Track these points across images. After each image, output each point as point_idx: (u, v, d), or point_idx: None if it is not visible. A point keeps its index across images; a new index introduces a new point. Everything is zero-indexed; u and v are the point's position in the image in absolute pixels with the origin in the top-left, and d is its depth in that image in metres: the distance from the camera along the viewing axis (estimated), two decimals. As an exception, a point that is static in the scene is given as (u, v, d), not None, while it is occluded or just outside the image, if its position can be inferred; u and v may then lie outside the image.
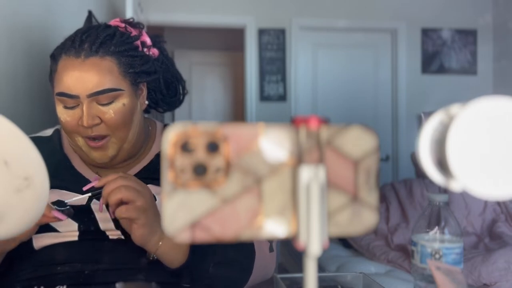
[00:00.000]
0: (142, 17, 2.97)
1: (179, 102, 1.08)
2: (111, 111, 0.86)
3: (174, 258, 0.81)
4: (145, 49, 0.95)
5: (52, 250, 0.86)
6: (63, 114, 0.87)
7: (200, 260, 0.83)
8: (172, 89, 1.05)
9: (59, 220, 0.77)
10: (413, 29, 3.86)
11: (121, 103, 0.87)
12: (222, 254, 0.85)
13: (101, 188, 0.78)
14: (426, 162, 0.34)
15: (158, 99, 1.03)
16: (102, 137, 0.87)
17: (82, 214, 0.87)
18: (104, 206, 0.81)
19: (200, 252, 0.83)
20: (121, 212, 0.75)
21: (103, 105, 0.86)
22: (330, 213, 0.32)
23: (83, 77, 0.84)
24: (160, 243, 0.79)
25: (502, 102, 0.32)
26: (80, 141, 0.88)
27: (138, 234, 0.77)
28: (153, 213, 0.78)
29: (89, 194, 0.82)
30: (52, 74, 0.90)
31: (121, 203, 0.76)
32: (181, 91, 1.07)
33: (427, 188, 2.27)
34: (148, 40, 0.96)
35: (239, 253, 0.89)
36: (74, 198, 0.82)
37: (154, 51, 0.97)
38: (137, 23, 0.98)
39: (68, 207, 0.79)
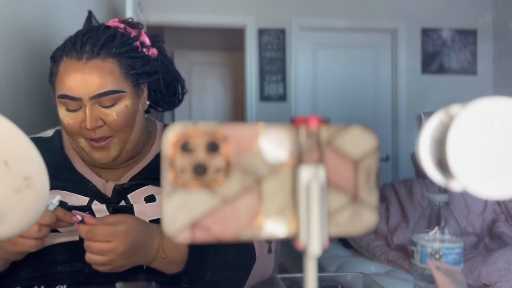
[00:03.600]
0: (142, 17, 2.97)
1: (178, 101, 1.08)
2: (114, 113, 0.86)
3: (171, 268, 0.83)
4: (144, 49, 0.95)
5: (53, 250, 0.86)
6: (66, 116, 0.87)
7: (199, 266, 0.84)
8: (172, 89, 1.05)
9: (73, 222, 0.78)
10: (413, 29, 3.86)
11: (124, 104, 0.87)
12: (221, 258, 0.86)
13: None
14: (426, 162, 0.34)
15: (158, 99, 1.03)
16: (105, 138, 0.88)
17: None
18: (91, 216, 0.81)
19: (199, 258, 0.83)
20: (94, 265, 0.76)
21: (105, 107, 0.86)
22: (330, 213, 0.32)
23: (85, 79, 0.84)
24: (153, 262, 0.81)
25: (502, 102, 0.32)
26: (83, 142, 0.88)
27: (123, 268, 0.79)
28: (135, 248, 0.78)
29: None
30: (52, 76, 0.90)
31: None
32: (180, 91, 1.07)
33: (427, 188, 2.27)
34: (147, 40, 0.96)
35: (238, 255, 0.89)
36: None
37: (153, 51, 0.98)
38: (136, 23, 0.98)
39: (80, 218, 0.82)
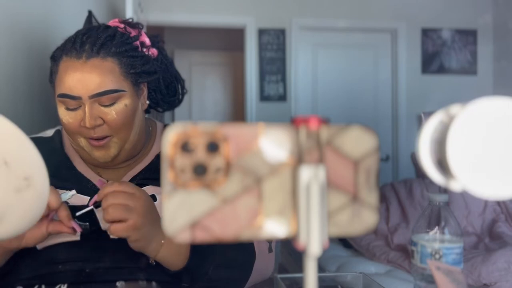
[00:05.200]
0: (142, 17, 2.97)
1: (178, 102, 1.08)
2: (113, 112, 0.86)
3: (174, 262, 0.82)
4: (144, 49, 0.95)
5: (53, 250, 0.86)
6: (65, 115, 0.87)
7: (200, 263, 0.83)
8: (172, 89, 1.05)
9: (74, 232, 0.78)
10: (413, 29, 3.86)
11: (123, 103, 0.87)
12: (222, 256, 0.85)
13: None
14: (426, 162, 0.34)
15: (158, 99, 1.03)
16: (104, 137, 0.88)
17: (83, 214, 0.87)
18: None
19: (200, 255, 0.83)
20: (111, 232, 0.75)
21: (105, 106, 0.86)
22: (330, 213, 0.32)
23: (85, 78, 0.84)
24: (160, 249, 0.80)
25: (502, 102, 0.32)
26: (83, 141, 0.88)
27: (132, 246, 0.78)
28: (150, 221, 0.77)
29: (92, 207, 0.82)
30: (52, 76, 0.90)
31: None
32: (180, 91, 1.08)
33: (427, 188, 2.27)
34: (147, 40, 0.96)
35: (239, 254, 0.89)
36: (82, 211, 0.82)
37: (153, 51, 0.98)
38: (136, 23, 0.98)
39: (87, 223, 0.83)
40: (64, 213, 0.78)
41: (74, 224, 0.78)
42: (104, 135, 0.87)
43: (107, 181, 0.82)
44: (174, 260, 0.82)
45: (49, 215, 0.78)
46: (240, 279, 0.91)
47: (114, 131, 0.87)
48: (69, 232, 0.78)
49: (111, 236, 0.88)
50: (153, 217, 0.78)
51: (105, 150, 0.89)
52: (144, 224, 0.76)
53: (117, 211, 0.74)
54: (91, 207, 0.82)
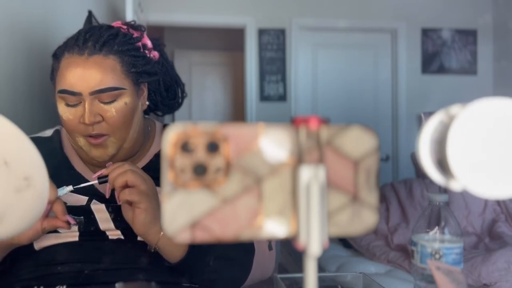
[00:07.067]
0: (142, 17, 2.97)
1: (178, 105, 1.08)
2: (113, 110, 0.86)
3: (175, 251, 0.82)
4: (146, 51, 0.95)
5: (52, 251, 0.86)
6: (65, 112, 0.87)
7: (201, 254, 0.83)
8: (172, 92, 1.06)
9: (68, 226, 0.79)
10: (413, 29, 3.86)
11: (123, 102, 0.87)
12: (222, 249, 0.86)
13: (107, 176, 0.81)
14: (426, 162, 0.34)
15: (158, 101, 1.03)
16: (102, 135, 0.88)
17: (82, 215, 0.87)
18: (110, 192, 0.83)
19: (200, 247, 0.83)
20: (125, 194, 0.77)
21: (105, 103, 0.86)
22: (330, 213, 0.32)
23: (86, 74, 0.84)
24: (161, 233, 0.79)
25: (502, 103, 0.32)
26: (81, 140, 0.88)
27: (140, 219, 0.78)
28: (155, 201, 0.79)
29: (96, 181, 0.84)
30: (53, 73, 0.91)
31: (126, 187, 0.78)
32: (180, 94, 1.08)
33: (427, 188, 2.27)
34: (149, 43, 0.97)
35: (239, 250, 0.89)
36: (82, 185, 0.83)
37: (155, 54, 0.98)
38: (139, 26, 0.98)
39: (82, 217, 0.84)
40: (59, 207, 0.78)
41: (69, 217, 0.78)
42: (102, 132, 0.87)
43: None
44: (174, 249, 0.81)
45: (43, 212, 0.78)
46: (240, 276, 0.91)
47: (113, 129, 0.87)
48: (64, 226, 0.78)
49: (110, 237, 0.88)
50: (157, 200, 0.80)
51: (103, 149, 0.89)
52: (153, 197, 0.78)
53: (133, 175, 0.77)
54: (96, 181, 0.83)
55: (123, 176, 0.77)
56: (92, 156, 0.90)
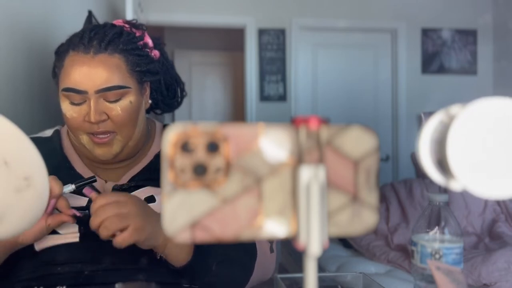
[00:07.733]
0: (142, 17, 2.97)
1: (177, 104, 1.09)
2: (118, 108, 0.86)
3: (180, 255, 0.82)
4: (147, 50, 0.96)
5: (53, 251, 0.86)
6: (69, 110, 0.87)
7: (204, 258, 0.83)
8: (172, 91, 1.06)
9: (74, 220, 0.79)
10: (413, 29, 3.86)
11: (128, 100, 0.88)
12: (225, 253, 0.86)
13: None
14: (426, 162, 0.34)
15: (158, 100, 1.03)
16: (108, 133, 0.87)
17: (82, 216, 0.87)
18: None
19: (204, 250, 0.83)
20: (119, 243, 0.75)
21: (110, 102, 0.86)
22: (330, 213, 0.32)
23: (91, 73, 0.84)
24: (167, 243, 0.80)
25: (502, 103, 0.32)
26: (84, 138, 0.88)
27: (136, 239, 0.76)
28: (148, 219, 0.77)
29: (95, 178, 0.84)
30: (55, 70, 0.90)
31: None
32: (179, 93, 1.08)
33: (427, 188, 2.27)
34: (150, 42, 0.97)
35: (241, 252, 0.89)
36: (83, 182, 0.82)
37: (156, 53, 0.98)
38: (140, 25, 0.98)
39: (86, 211, 0.83)
40: (63, 203, 0.78)
41: (74, 210, 0.78)
42: (107, 130, 0.87)
43: (96, 190, 0.82)
44: (180, 253, 0.81)
45: (47, 208, 0.78)
46: (242, 279, 0.91)
47: (118, 127, 0.87)
48: (69, 220, 0.78)
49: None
50: (150, 214, 0.78)
51: (108, 147, 0.88)
52: (145, 223, 0.76)
53: (113, 222, 0.74)
54: (95, 178, 0.83)
55: (104, 230, 0.74)
56: (95, 155, 0.90)
